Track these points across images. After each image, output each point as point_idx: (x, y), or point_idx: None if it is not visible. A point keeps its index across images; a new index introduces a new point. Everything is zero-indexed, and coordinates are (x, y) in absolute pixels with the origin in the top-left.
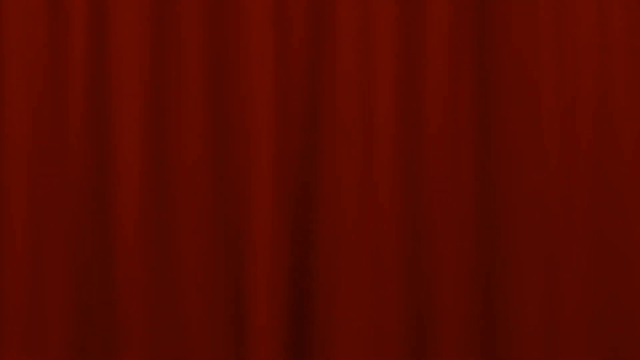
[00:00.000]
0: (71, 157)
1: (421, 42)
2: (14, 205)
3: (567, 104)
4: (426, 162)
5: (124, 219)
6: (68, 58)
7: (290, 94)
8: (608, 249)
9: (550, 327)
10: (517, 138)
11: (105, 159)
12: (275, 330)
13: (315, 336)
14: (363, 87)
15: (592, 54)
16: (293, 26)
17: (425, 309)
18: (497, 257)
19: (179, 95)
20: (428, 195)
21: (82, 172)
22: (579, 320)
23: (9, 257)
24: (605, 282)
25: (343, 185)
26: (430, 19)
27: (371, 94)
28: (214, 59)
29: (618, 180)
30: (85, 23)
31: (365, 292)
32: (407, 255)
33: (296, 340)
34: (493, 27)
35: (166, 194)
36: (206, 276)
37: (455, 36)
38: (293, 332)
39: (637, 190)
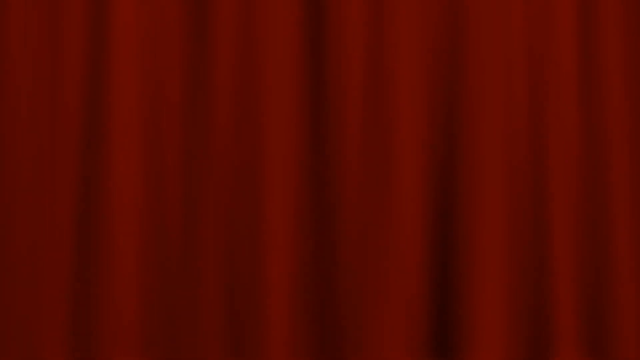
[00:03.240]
0: (70, 154)
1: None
2: (14, 205)
3: None
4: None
5: (124, 217)
6: (67, 56)
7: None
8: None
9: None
10: None
11: (104, 157)
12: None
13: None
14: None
15: None
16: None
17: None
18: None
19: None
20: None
21: (82, 169)
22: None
23: (9, 257)
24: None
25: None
26: None
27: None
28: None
29: None
30: (85, 22)
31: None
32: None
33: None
34: None
35: (167, 191)
36: (211, 277)
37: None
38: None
39: None
